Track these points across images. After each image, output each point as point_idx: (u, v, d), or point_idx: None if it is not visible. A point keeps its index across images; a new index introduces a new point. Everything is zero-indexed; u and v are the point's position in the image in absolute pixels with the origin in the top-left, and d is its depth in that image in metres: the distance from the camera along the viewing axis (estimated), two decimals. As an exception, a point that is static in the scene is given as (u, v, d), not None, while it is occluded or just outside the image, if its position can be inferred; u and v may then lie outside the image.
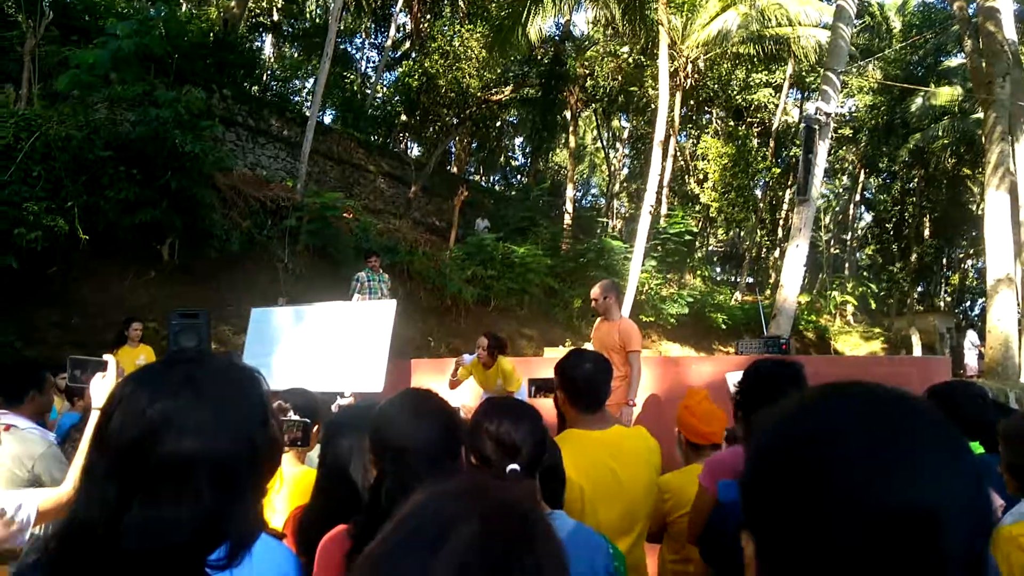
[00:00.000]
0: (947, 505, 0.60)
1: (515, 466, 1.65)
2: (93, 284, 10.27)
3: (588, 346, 6.16)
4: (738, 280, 29.18)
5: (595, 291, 5.72)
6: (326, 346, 6.07)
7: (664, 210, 22.18)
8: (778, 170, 26.57)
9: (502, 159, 33.30)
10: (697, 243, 26.60)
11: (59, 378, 4.46)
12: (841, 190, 35.20)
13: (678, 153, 25.87)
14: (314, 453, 2.37)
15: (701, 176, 26.49)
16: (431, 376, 7.03)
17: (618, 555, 1.97)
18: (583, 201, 37.75)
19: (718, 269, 33.79)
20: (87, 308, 9.97)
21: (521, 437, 1.70)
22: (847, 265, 33.98)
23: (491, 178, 33.82)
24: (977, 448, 2.60)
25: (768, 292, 25.40)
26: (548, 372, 2.60)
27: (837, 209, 36.06)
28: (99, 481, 0.94)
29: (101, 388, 1.92)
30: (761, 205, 27.90)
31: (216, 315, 10.55)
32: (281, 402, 2.43)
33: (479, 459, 1.71)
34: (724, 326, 20.93)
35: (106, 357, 2.05)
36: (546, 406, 3.89)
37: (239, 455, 0.98)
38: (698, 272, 26.19)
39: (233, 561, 0.99)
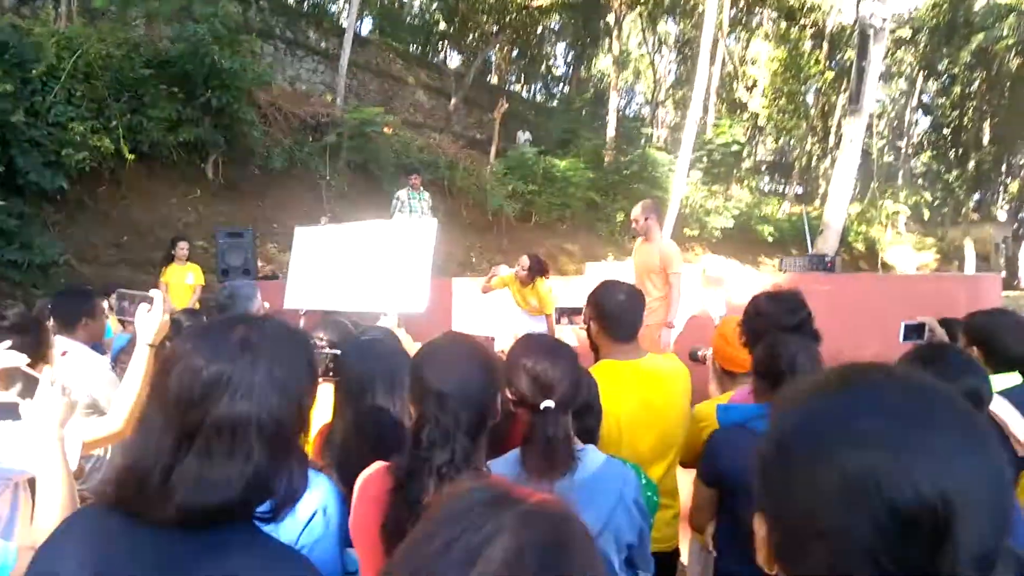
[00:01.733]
0: (964, 501, 0.60)
1: (550, 403, 1.68)
2: (142, 203, 10.48)
3: (630, 262, 6.14)
4: (787, 191, 28.43)
5: (635, 212, 5.66)
6: (368, 266, 6.11)
7: (711, 119, 21.50)
8: (831, 74, 25.37)
9: (543, 68, 32.36)
10: (745, 153, 25.84)
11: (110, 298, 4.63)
12: (897, 95, 33.57)
13: (727, 58, 24.86)
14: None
15: (750, 83, 25.49)
16: (472, 295, 7.11)
17: (650, 485, 2.01)
18: (627, 110, 36.65)
19: (766, 179, 32.85)
20: (137, 227, 10.22)
21: (557, 375, 1.72)
22: (901, 173, 32.75)
23: (532, 88, 32.93)
24: (1017, 378, 2.55)
25: (817, 203, 24.75)
26: (590, 289, 2.61)
27: (892, 115, 34.51)
28: (156, 433, 1.00)
29: (148, 322, 1.97)
30: (812, 112, 26.84)
31: (261, 232, 10.74)
32: (316, 339, 2.49)
33: (516, 395, 1.75)
34: (771, 239, 20.57)
35: (152, 292, 2.10)
36: (580, 336, 3.88)
37: (289, 417, 1.03)
38: (745, 183, 25.56)
39: (278, 516, 1.05)
